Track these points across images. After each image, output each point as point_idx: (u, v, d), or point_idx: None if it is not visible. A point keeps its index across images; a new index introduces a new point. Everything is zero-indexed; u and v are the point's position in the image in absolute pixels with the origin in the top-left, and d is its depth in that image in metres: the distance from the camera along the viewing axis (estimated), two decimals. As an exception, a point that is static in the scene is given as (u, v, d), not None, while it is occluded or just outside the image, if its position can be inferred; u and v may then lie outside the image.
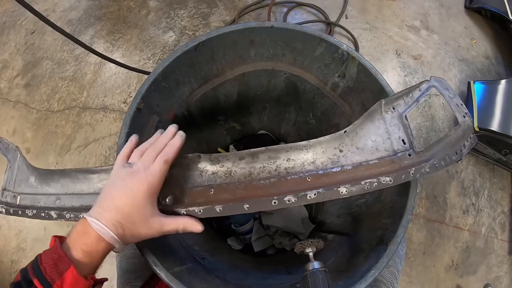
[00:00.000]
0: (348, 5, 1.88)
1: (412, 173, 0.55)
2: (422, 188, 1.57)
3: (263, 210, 0.54)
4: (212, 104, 0.96)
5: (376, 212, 0.76)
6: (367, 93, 0.79)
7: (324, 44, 0.76)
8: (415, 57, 1.82)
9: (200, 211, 0.54)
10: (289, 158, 0.56)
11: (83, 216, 0.49)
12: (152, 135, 0.76)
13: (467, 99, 1.67)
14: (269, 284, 0.71)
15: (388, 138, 0.58)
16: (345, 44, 0.75)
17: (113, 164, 0.59)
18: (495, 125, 1.52)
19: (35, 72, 1.70)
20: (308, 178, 0.55)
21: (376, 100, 0.74)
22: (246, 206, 0.53)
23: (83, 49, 1.07)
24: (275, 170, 0.56)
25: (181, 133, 0.58)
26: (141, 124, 0.72)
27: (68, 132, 1.57)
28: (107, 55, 1.17)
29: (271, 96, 1.01)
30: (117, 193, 0.49)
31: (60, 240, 0.49)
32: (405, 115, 0.60)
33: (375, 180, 0.54)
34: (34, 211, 0.61)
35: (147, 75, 0.71)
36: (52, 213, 0.59)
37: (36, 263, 0.46)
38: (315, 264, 0.56)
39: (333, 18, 1.82)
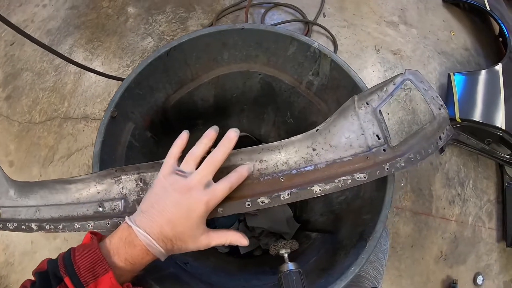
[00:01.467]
0: (325, 4, 1.88)
1: (387, 168, 0.55)
2: (407, 182, 1.58)
3: (237, 212, 0.54)
4: (189, 109, 0.95)
5: (356, 208, 0.76)
6: (341, 90, 0.79)
7: (296, 43, 0.76)
8: (394, 52, 1.83)
9: None
10: (261, 159, 0.55)
11: (127, 223, 0.47)
12: (128, 141, 0.76)
13: (448, 91, 1.69)
14: (254, 285, 0.71)
15: (362, 134, 0.57)
16: (317, 42, 0.75)
17: (89, 174, 0.58)
18: (477, 115, 1.54)
19: (15, 84, 1.68)
20: (282, 178, 0.55)
21: (350, 96, 0.75)
22: (220, 209, 0.53)
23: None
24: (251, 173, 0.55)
25: (249, 167, 0.54)
26: (116, 132, 0.71)
27: (50, 143, 1.56)
28: (87, 64, 1.16)
29: (248, 97, 1.01)
30: (170, 208, 0.46)
31: (97, 237, 0.47)
32: (379, 110, 0.60)
33: (349, 177, 0.54)
34: (15, 224, 0.61)
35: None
36: (32, 225, 0.59)
37: (69, 260, 0.42)
38: (290, 266, 0.56)
39: (311, 17, 1.82)
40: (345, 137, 0.57)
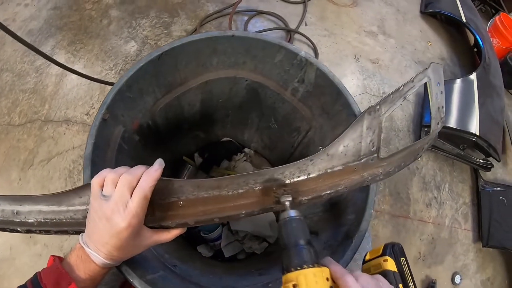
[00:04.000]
0: (307, 13, 1.93)
1: (367, 181, 0.60)
2: (385, 186, 1.63)
3: (232, 220, 0.56)
4: (176, 113, 0.97)
5: (340, 209, 0.79)
6: (326, 96, 0.82)
7: (283, 51, 0.79)
8: (373, 61, 1.89)
9: (174, 225, 0.55)
10: (258, 172, 0.57)
11: (80, 244, 0.51)
12: (118, 144, 0.77)
13: (424, 98, 1.76)
14: (242, 286, 0.72)
15: (360, 142, 0.59)
16: (303, 51, 0.78)
17: (67, 189, 0.58)
18: (452, 122, 1.61)
19: (-6, 85, 1.64)
20: (274, 187, 0.57)
21: (334, 102, 0.78)
22: (216, 218, 0.55)
23: (44, 60, 1.04)
24: (244, 181, 0.57)
25: (160, 161, 0.54)
26: (107, 134, 0.71)
27: (30, 146, 1.52)
28: (69, 66, 1.14)
29: (234, 103, 1.03)
30: (104, 234, 0.49)
31: (58, 258, 0.52)
32: (385, 116, 0.59)
33: (333, 191, 0.58)
34: None
35: (111, 86, 0.71)
36: (19, 228, 0.58)
37: (36, 280, 0.48)
38: (291, 213, 0.51)
39: (293, 26, 1.87)
40: (344, 145, 0.59)
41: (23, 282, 0.50)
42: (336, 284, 0.45)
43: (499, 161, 1.74)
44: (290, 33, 1.83)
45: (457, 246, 1.66)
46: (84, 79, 1.50)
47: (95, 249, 0.49)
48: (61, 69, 1.49)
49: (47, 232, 0.57)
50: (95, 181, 0.51)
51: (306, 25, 1.90)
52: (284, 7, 1.95)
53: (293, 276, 0.44)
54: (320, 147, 0.87)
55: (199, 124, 1.10)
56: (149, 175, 0.51)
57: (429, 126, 1.63)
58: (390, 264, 0.55)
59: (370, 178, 0.60)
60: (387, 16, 2.09)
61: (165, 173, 0.54)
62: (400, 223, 1.59)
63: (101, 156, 0.69)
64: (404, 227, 1.59)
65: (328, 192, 0.58)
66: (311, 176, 0.58)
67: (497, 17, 2.08)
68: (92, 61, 1.69)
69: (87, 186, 0.55)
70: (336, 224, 0.78)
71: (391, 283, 0.51)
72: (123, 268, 0.56)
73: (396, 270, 0.55)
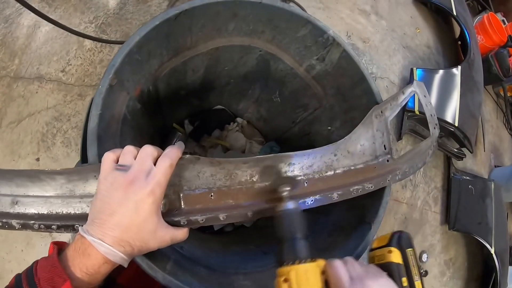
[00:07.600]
0: (304, -17, 1.86)
1: (388, 180, 0.64)
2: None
3: (265, 216, 0.53)
4: (178, 79, 0.90)
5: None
6: (345, 78, 0.79)
7: (309, 27, 0.75)
8: (364, 40, 1.88)
9: (202, 220, 0.50)
10: (290, 162, 0.56)
11: (80, 234, 0.43)
12: (123, 114, 0.69)
13: (409, 84, 1.78)
14: (255, 267, 0.70)
15: (373, 142, 0.65)
16: (332, 30, 0.74)
17: (85, 164, 0.51)
18: (434, 110, 1.65)
19: (-45, 34, 1.45)
20: (306, 182, 0.57)
21: (353, 86, 0.77)
22: (249, 213, 0.53)
23: (13, 8, 0.90)
24: (276, 173, 0.56)
25: (181, 143, 0.52)
26: (112, 103, 0.63)
27: (-3, 106, 1.37)
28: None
29: (239, 72, 0.98)
30: (118, 208, 0.43)
31: (58, 247, 0.44)
32: (389, 121, 0.67)
33: (360, 186, 0.61)
34: None
35: (91, 41, 0.63)
36: (13, 222, 0.49)
37: (32, 272, 0.41)
38: (289, 205, 0.50)
39: (289, -7, 1.78)
40: (360, 144, 0.64)
41: None
42: (327, 271, 0.45)
43: (471, 152, 1.84)
44: (286, 1, 1.74)
45: (426, 227, 1.75)
46: (59, 32, 1.37)
47: (100, 234, 0.42)
48: (34, 20, 1.34)
49: (48, 227, 0.49)
50: (109, 155, 0.46)
51: (302, -5, 1.84)
52: (281, -27, 1.86)
53: (285, 270, 0.44)
54: (329, 127, 0.87)
55: (197, 91, 1.04)
56: (174, 147, 0.48)
57: (411, 111, 1.67)
58: (394, 256, 0.55)
59: (390, 176, 0.65)
60: (381, -3, 2.08)
61: (156, 142, 0.49)
62: (377, 203, 1.64)
63: (106, 130, 0.60)
64: (381, 206, 1.64)
65: (356, 188, 0.61)
66: (337, 172, 0.60)
67: (485, 16, 2.14)
68: (69, 12, 1.53)
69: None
70: (347, 207, 0.77)
71: (393, 277, 0.52)
72: (144, 262, 0.49)
73: (401, 262, 0.56)
